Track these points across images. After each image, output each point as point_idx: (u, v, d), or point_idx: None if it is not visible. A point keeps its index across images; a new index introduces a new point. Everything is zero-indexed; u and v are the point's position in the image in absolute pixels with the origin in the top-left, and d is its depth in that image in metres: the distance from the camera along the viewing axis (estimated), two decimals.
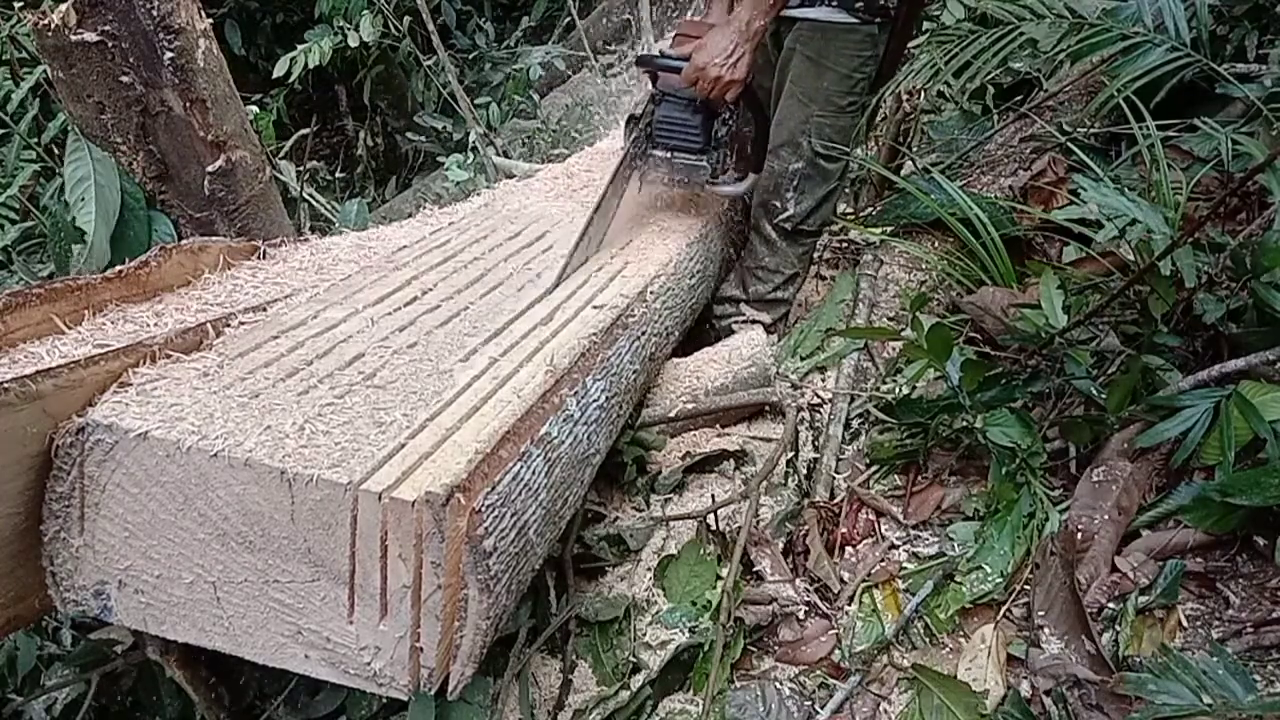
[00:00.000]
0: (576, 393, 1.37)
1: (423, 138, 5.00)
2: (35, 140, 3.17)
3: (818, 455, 1.91)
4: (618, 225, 2.02)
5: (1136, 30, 1.93)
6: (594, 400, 1.45)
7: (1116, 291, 1.71)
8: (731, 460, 1.90)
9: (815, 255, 2.87)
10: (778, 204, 2.27)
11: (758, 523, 1.74)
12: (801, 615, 1.58)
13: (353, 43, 4.53)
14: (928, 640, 1.53)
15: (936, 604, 1.55)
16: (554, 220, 2.05)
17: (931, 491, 1.77)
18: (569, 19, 5.36)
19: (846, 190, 3.14)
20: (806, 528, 1.73)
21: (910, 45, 2.33)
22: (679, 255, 1.99)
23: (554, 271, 1.71)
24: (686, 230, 2.13)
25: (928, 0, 2.22)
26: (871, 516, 1.76)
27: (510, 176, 3.19)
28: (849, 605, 1.59)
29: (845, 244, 2.91)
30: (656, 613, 1.58)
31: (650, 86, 2.08)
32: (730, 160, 2.21)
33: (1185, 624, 1.44)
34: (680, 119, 2.03)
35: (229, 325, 1.37)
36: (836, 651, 1.51)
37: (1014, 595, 1.54)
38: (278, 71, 4.44)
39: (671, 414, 1.96)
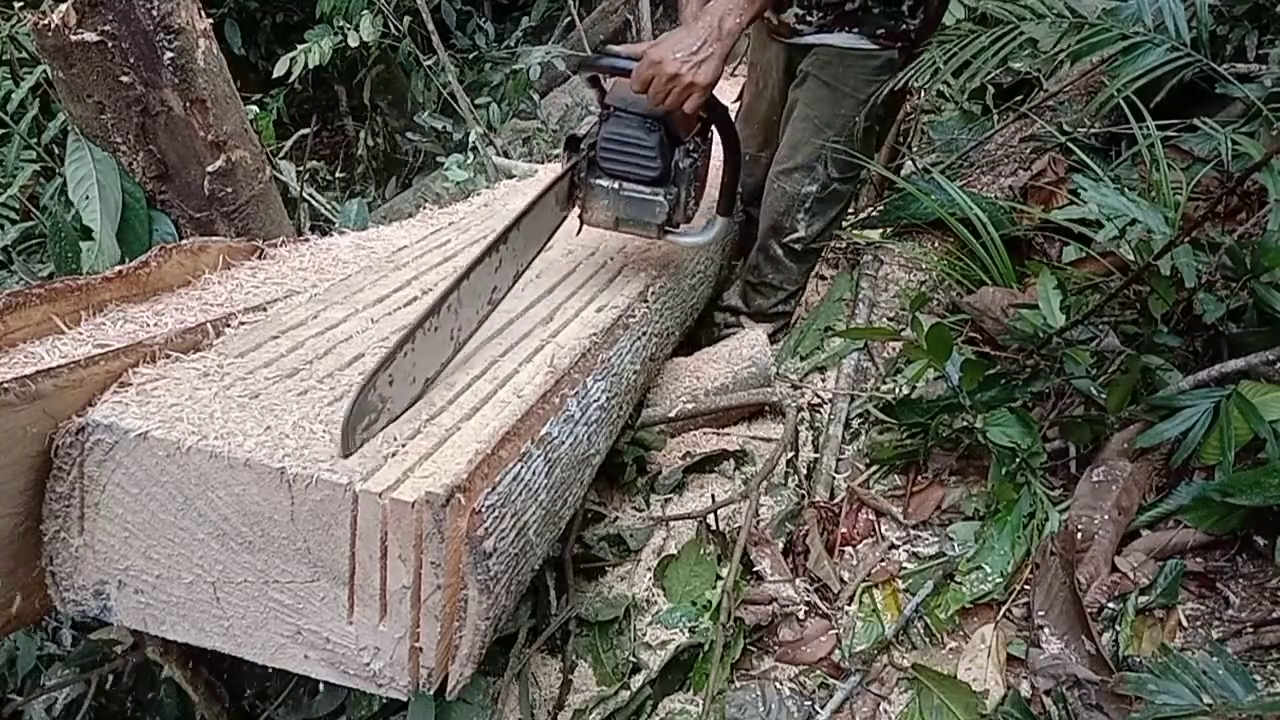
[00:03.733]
0: (577, 393, 1.37)
1: (423, 138, 5.00)
2: (35, 140, 3.17)
3: (818, 455, 1.91)
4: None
5: (1136, 30, 1.93)
6: (594, 400, 1.45)
7: (1115, 291, 1.71)
8: (731, 460, 1.90)
9: None
10: (788, 225, 2.26)
11: (758, 523, 1.74)
12: (801, 615, 1.58)
13: (353, 43, 4.53)
14: (928, 640, 1.53)
15: (936, 604, 1.55)
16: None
17: (931, 491, 1.77)
18: (569, 19, 5.36)
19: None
20: (806, 528, 1.73)
21: None
22: (679, 256, 1.99)
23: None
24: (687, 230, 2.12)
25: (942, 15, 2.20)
26: (871, 516, 1.76)
27: (510, 176, 3.19)
28: (849, 605, 1.59)
29: (845, 244, 2.91)
30: (656, 613, 1.58)
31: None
32: (694, 204, 1.82)
33: (1185, 624, 1.44)
34: (631, 138, 1.61)
35: (229, 325, 1.37)
36: (836, 651, 1.51)
37: (1014, 595, 1.54)
38: (278, 71, 4.44)
39: (671, 414, 1.96)
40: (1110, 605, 1.47)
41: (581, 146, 1.65)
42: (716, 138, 1.78)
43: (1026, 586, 1.54)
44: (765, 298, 2.37)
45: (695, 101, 1.58)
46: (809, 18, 2.10)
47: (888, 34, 2.05)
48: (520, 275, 1.51)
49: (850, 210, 3.16)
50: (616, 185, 1.65)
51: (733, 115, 2.59)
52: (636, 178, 1.64)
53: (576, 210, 1.70)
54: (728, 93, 3.12)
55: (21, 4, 3.45)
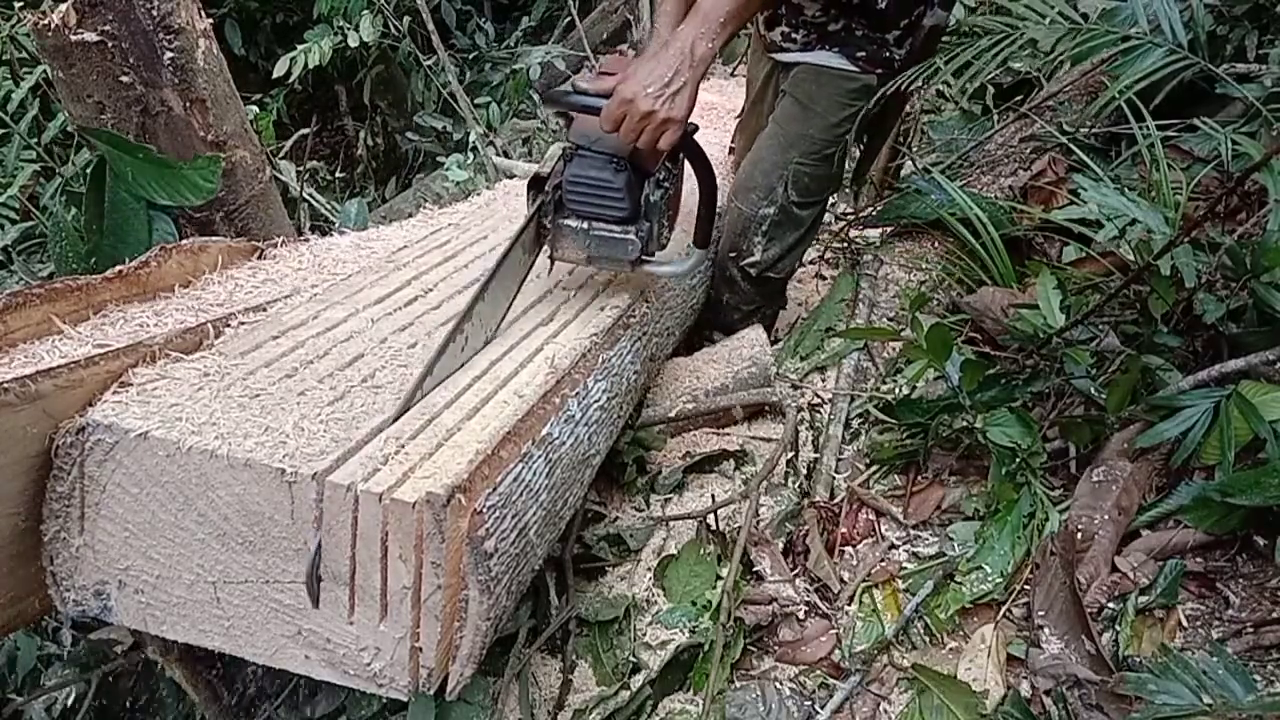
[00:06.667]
0: (578, 393, 1.37)
1: (423, 138, 5.00)
2: (35, 140, 3.17)
3: (818, 455, 1.91)
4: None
5: (1135, 32, 1.93)
6: (595, 401, 1.45)
7: (1114, 291, 1.71)
8: (731, 460, 1.90)
9: (816, 255, 2.88)
10: (745, 248, 2.19)
11: (758, 523, 1.74)
12: (801, 615, 1.58)
13: (353, 43, 4.53)
14: (928, 640, 1.53)
15: (936, 604, 1.55)
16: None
17: (931, 491, 1.77)
18: (569, 19, 5.36)
19: (846, 190, 3.14)
20: (806, 528, 1.73)
21: None
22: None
23: (403, 397, 1.23)
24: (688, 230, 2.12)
25: (934, 48, 2.12)
26: (871, 516, 1.76)
27: (510, 176, 3.19)
28: (849, 605, 1.59)
29: (845, 244, 2.91)
30: (656, 613, 1.58)
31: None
32: (667, 232, 1.73)
33: (1185, 624, 1.44)
34: (598, 180, 1.52)
35: (229, 325, 1.37)
36: (836, 651, 1.51)
37: (1014, 595, 1.54)
38: (278, 71, 4.44)
39: (671, 414, 1.96)
40: (1110, 605, 1.47)
41: (546, 187, 1.57)
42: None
43: (1026, 586, 1.54)
44: (723, 316, 2.32)
45: (670, 138, 1.48)
46: (794, 35, 2.06)
47: (868, 58, 2.00)
48: (491, 339, 1.46)
49: (846, 204, 3.15)
50: (586, 225, 1.57)
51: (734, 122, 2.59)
52: (606, 218, 1.56)
53: (546, 250, 1.62)
54: (731, 94, 3.11)
55: (21, 4, 3.45)
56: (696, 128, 1.58)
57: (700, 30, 1.51)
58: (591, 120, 1.48)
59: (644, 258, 1.61)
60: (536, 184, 1.58)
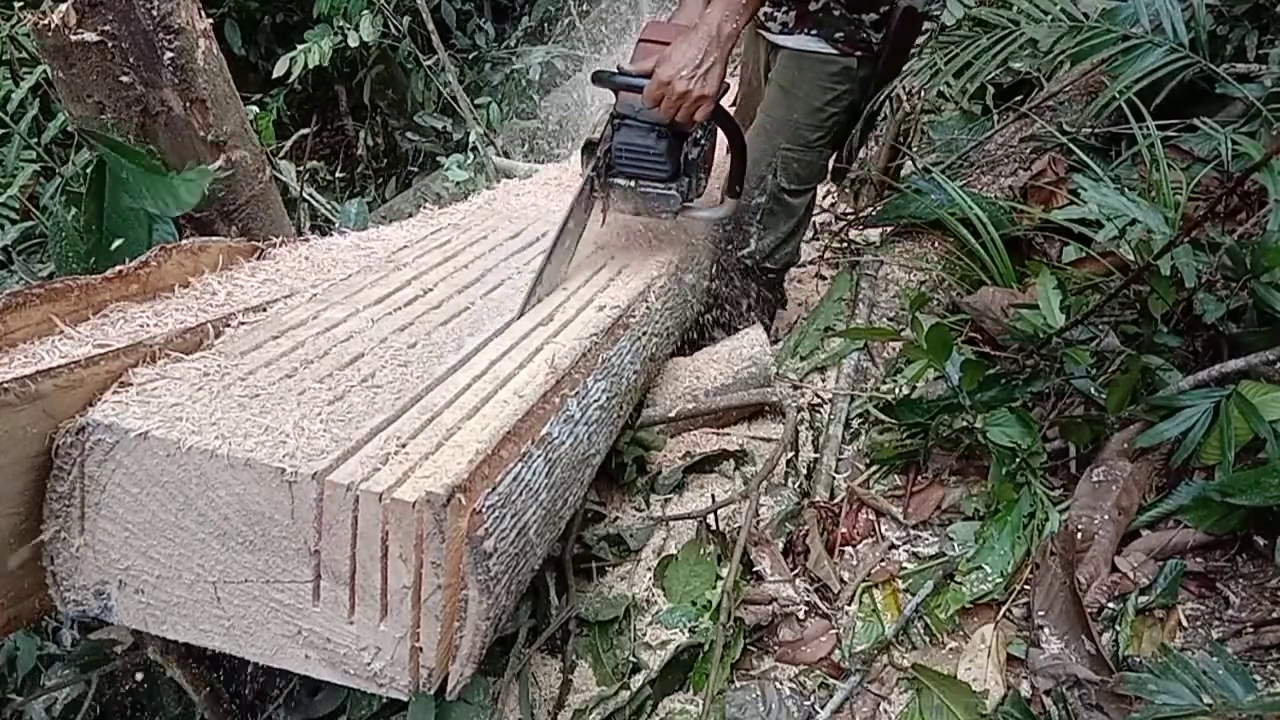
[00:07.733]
0: (577, 393, 1.37)
1: (423, 138, 5.00)
2: (35, 140, 3.17)
3: (818, 455, 1.91)
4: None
5: (1135, 31, 1.93)
6: (595, 400, 1.45)
7: (1114, 291, 1.71)
8: (731, 460, 1.90)
9: (816, 255, 2.88)
10: (739, 240, 2.22)
11: (758, 523, 1.74)
12: (801, 615, 1.58)
13: (353, 43, 4.53)
14: (928, 640, 1.53)
15: (936, 604, 1.55)
16: (554, 220, 2.04)
17: (931, 491, 1.77)
18: (569, 19, 5.36)
19: (847, 190, 3.14)
20: (806, 528, 1.73)
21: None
22: (680, 255, 1.99)
23: (515, 305, 1.56)
24: (688, 228, 2.12)
25: (916, 37, 2.13)
26: (871, 516, 1.76)
27: (510, 176, 3.19)
28: (849, 605, 1.59)
29: (845, 244, 2.91)
30: (656, 613, 1.58)
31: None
32: (704, 182, 1.97)
33: (1185, 624, 1.44)
34: (642, 146, 1.75)
35: (229, 325, 1.37)
36: (836, 651, 1.51)
37: (1014, 595, 1.54)
38: (278, 71, 4.44)
39: (671, 414, 1.96)
40: (1110, 605, 1.47)
41: (598, 152, 1.77)
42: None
43: (1026, 586, 1.54)
44: (723, 313, 2.35)
45: (705, 111, 1.67)
46: (775, 14, 2.08)
47: (846, 40, 2.01)
48: (565, 274, 1.74)
49: (846, 204, 3.14)
50: (634, 184, 1.80)
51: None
52: (651, 178, 1.79)
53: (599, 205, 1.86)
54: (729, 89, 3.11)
55: (21, 4, 3.45)
56: (729, 87, 1.77)
57: (725, 12, 1.67)
58: (636, 94, 1.70)
59: (685, 205, 1.85)
60: (589, 149, 1.78)
